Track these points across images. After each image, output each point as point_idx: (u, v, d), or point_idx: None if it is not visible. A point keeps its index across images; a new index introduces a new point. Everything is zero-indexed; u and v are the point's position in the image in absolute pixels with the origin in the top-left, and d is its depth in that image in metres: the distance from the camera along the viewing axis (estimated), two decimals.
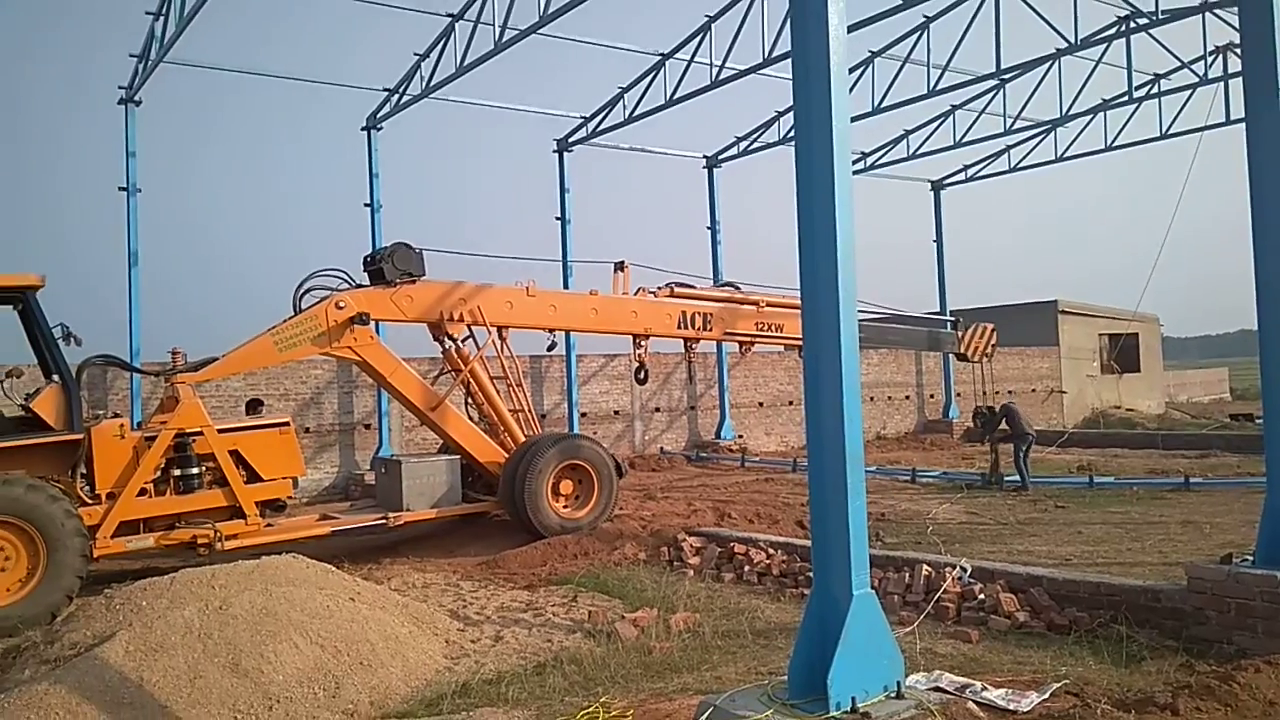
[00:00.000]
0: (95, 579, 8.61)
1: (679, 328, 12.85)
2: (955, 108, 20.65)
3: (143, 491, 9.27)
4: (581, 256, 19.12)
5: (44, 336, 9.05)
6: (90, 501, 9.01)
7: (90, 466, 9.11)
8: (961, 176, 25.09)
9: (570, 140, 19.78)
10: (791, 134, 19.76)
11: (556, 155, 19.88)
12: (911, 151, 22.36)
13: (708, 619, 7.52)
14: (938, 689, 4.99)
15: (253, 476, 9.93)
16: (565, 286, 18.08)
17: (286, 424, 10.53)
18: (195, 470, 9.55)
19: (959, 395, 25.26)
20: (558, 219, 19.62)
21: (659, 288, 13.07)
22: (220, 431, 9.85)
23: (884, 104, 17.76)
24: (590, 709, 5.51)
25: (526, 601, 8.44)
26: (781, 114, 20.38)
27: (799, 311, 14.96)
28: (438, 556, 10.57)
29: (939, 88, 17.02)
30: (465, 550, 10.84)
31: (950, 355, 18.74)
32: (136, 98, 15.33)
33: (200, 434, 9.63)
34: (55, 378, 9.10)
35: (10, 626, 7.76)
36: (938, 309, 24.72)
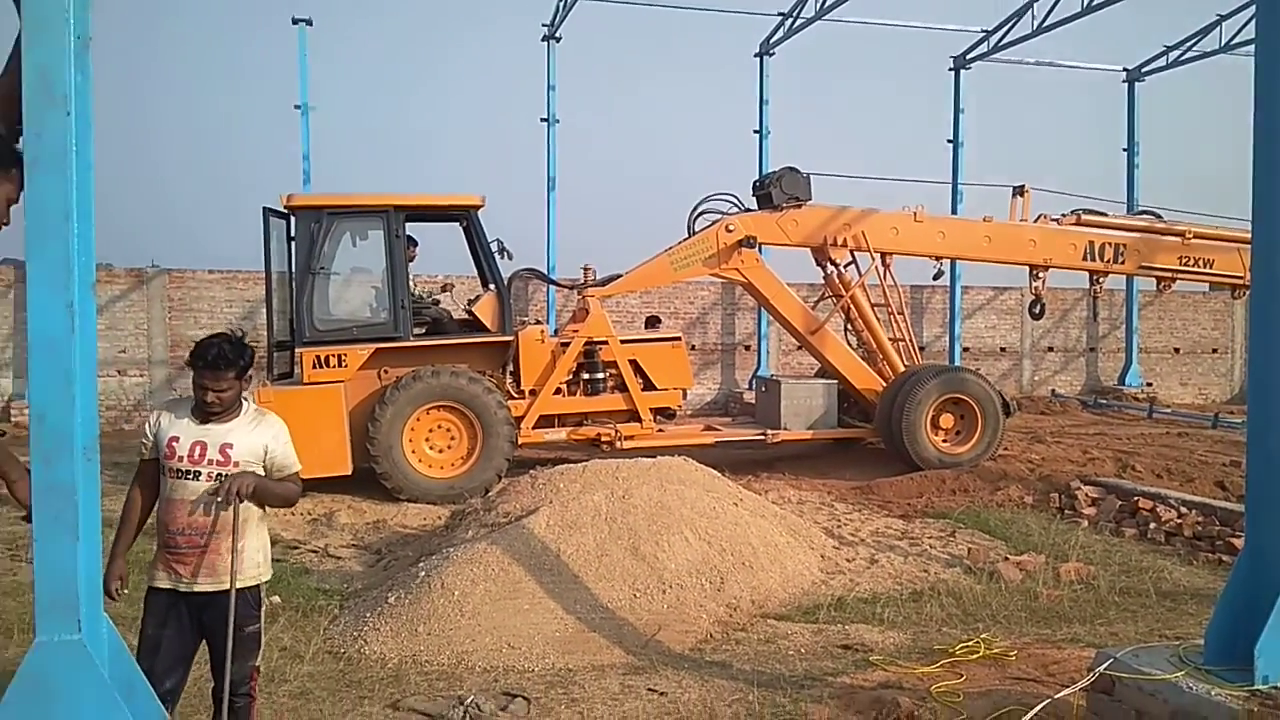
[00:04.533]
0: (516, 464, 9.91)
1: (1084, 259, 11.80)
2: None
3: (557, 391, 10.45)
4: (974, 180, 18.07)
5: (483, 250, 10.39)
6: (516, 396, 10.32)
7: (517, 365, 10.41)
8: None
9: (968, 57, 18.57)
10: (1236, 39, 17.08)
11: (952, 74, 18.78)
12: None
13: (1103, 573, 7.01)
14: None
15: (648, 385, 10.78)
16: (954, 212, 17.26)
17: (678, 339, 11.28)
18: (601, 375, 10.58)
19: None
20: (949, 141, 18.61)
21: (1063, 215, 12.06)
22: (622, 342, 10.79)
23: None
24: (970, 642, 5.44)
25: (901, 530, 8.40)
26: (1224, 18, 17.49)
27: (1234, 244, 13.03)
28: (811, 476, 10.80)
29: None
30: (838, 473, 10.97)
31: None
32: (557, 34, 16.80)
33: (606, 343, 10.61)
34: (491, 286, 10.46)
35: (456, 495, 9.24)
36: None
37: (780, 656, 5.42)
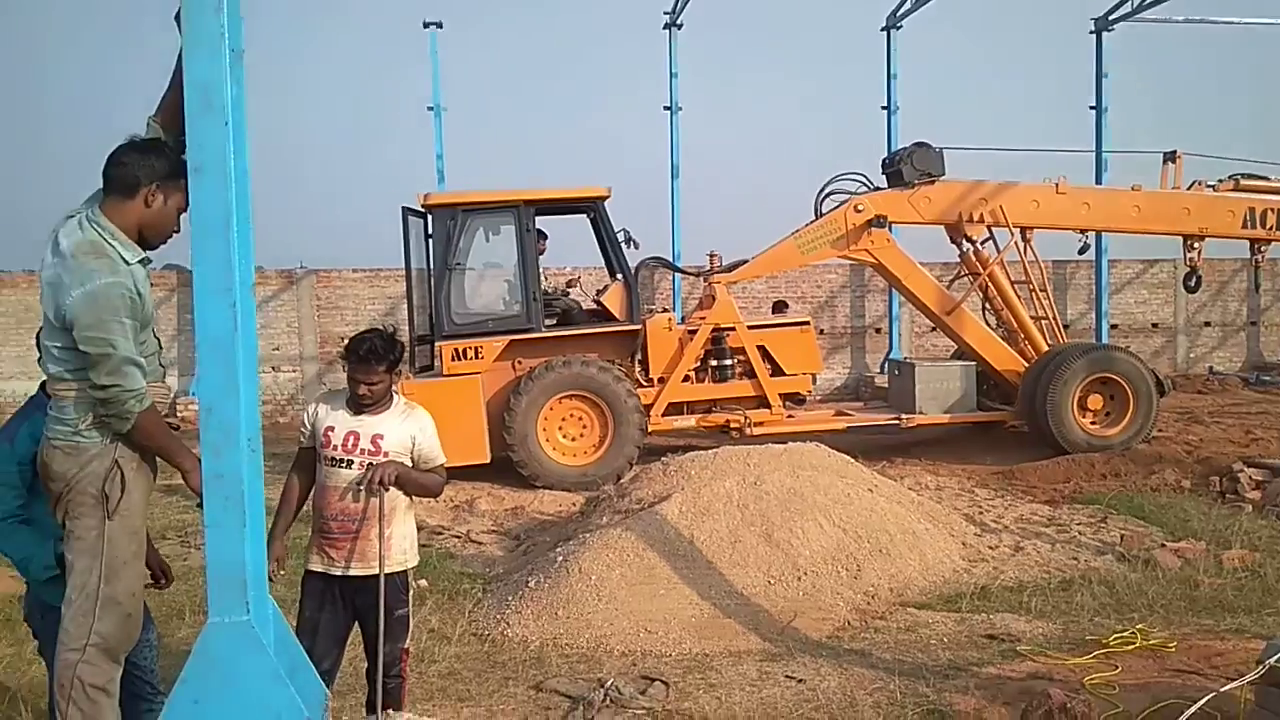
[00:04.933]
0: (647, 451, 9.99)
1: (1244, 227, 11.07)
2: None
3: (685, 378, 10.46)
4: (1120, 147, 17.07)
5: (610, 240, 10.48)
6: (645, 384, 10.39)
7: (645, 354, 10.47)
8: None
9: (1111, 18, 17.54)
10: None
11: (1093, 36, 17.78)
12: None
13: (1270, 560, 6.56)
14: None
15: (776, 370, 10.67)
16: (1099, 182, 16.38)
17: (806, 323, 11.11)
18: (729, 362, 10.52)
19: None
20: (1092, 108, 17.63)
21: (1220, 180, 11.31)
22: (750, 328, 10.71)
23: None
24: (1125, 633, 5.19)
25: (1048, 516, 8.07)
26: None
27: None
28: (950, 461, 10.48)
29: None
30: (978, 458, 10.60)
31: None
32: (679, 21, 16.74)
33: (733, 329, 10.55)
34: (619, 276, 10.56)
35: (590, 481, 9.41)
36: None
37: (922, 645, 5.30)
